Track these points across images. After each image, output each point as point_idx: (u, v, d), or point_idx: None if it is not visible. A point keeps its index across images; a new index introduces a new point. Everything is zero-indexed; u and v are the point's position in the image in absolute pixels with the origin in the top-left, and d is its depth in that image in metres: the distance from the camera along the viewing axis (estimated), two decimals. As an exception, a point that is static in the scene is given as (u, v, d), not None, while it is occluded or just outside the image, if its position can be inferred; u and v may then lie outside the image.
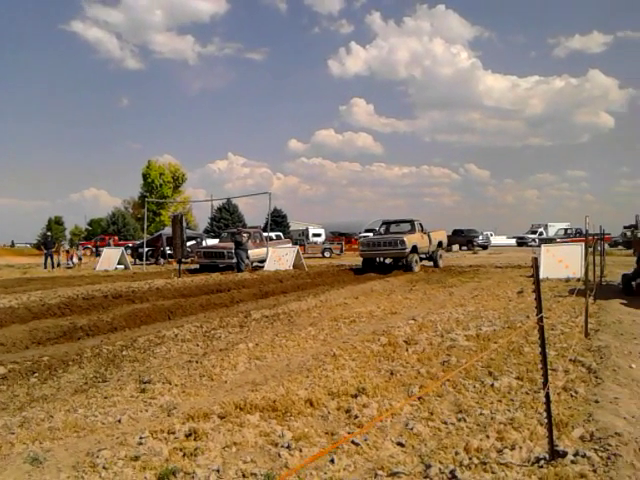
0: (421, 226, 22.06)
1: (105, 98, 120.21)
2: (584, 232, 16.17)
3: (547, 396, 3.10)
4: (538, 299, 2.94)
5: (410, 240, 20.28)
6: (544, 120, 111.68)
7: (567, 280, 14.66)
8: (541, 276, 16.00)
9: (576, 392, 4.66)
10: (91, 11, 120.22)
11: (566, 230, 45.82)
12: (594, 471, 3.13)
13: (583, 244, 15.29)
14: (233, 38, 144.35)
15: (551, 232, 50.60)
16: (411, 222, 22.06)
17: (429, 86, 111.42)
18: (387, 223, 23.51)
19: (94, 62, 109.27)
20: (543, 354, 3.05)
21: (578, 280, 13.08)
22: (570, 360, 5.77)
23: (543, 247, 18.37)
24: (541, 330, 3.01)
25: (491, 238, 54.60)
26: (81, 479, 3.28)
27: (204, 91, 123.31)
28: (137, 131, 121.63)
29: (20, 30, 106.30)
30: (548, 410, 3.19)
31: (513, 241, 55.34)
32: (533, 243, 46.96)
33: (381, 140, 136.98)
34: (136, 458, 3.53)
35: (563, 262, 16.14)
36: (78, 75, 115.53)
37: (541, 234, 50.40)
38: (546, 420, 3.24)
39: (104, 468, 3.40)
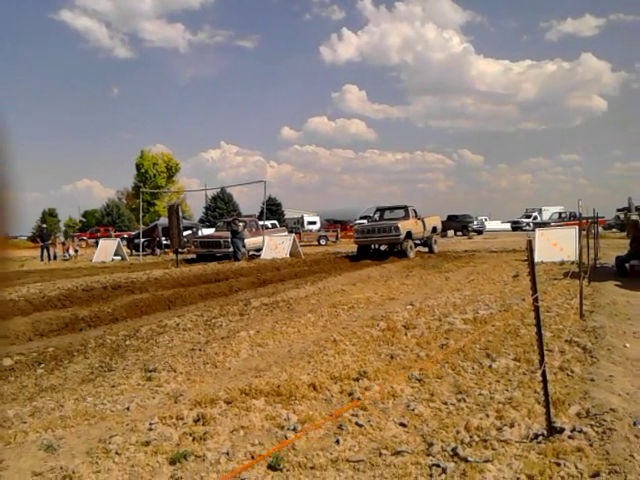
0: (415, 212, 22.15)
1: (95, 88, 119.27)
2: (578, 215, 16.35)
3: (544, 374, 3.21)
4: (533, 281, 3.05)
5: (404, 226, 20.38)
6: (537, 104, 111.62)
7: (562, 263, 14.81)
8: (536, 260, 16.16)
9: (572, 371, 4.80)
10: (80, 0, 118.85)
11: (560, 214, 45.97)
12: (590, 445, 3.26)
13: (577, 227, 15.46)
14: (224, 25, 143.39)
15: (545, 216, 50.69)
16: (405, 208, 22.13)
17: (421, 71, 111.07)
18: (381, 210, 23.55)
19: (84, 51, 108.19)
20: (539, 334, 3.16)
21: (572, 263, 13.24)
22: (566, 341, 5.90)
23: (537, 231, 18.51)
24: (536, 310, 3.12)
25: (486, 223, 54.79)
26: (96, 464, 3.38)
27: (195, 79, 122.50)
28: (129, 121, 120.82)
29: (8, 19, 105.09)
30: (545, 388, 3.31)
31: (508, 226, 55.46)
32: (528, 227, 47.10)
33: (374, 126, 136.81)
34: (147, 443, 3.64)
35: (557, 245, 16.29)
36: (68, 65, 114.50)
37: (535, 218, 50.54)
38: (543, 398, 3.36)
39: (117, 453, 3.51)
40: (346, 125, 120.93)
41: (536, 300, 3.11)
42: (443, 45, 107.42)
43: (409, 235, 20.64)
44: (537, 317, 3.16)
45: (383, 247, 22.19)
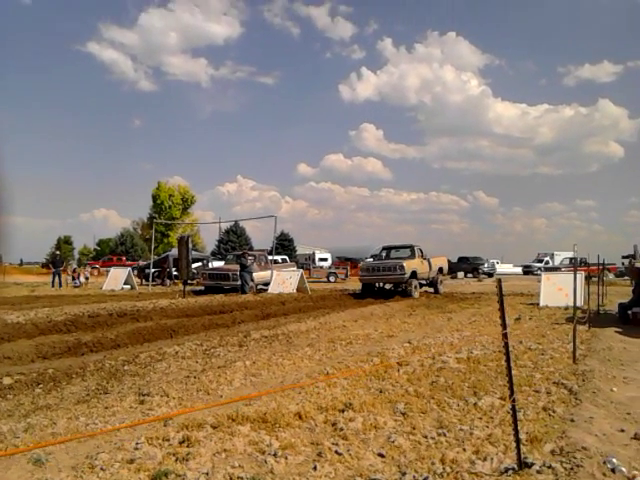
0: (421, 252, 22.27)
1: (118, 119, 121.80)
2: (586, 261, 16.38)
3: (513, 409, 3.33)
4: (502, 316, 3.20)
5: (409, 265, 20.49)
6: (553, 149, 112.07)
7: (566, 308, 14.80)
8: (541, 303, 16.29)
9: (554, 411, 4.88)
10: (107, 33, 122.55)
11: (571, 259, 45.78)
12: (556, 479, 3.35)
13: (583, 273, 15.49)
14: (246, 62, 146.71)
15: (557, 261, 50.55)
16: (411, 247, 22.29)
17: (439, 113, 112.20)
18: (387, 248, 23.69)
19: (108, 83, 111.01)
20: (508, 369, 3.29)
21: (578, 309, 13.25)
22: (554, 383, 5.98)
23: (543, 275, 18.54)
24: (506, 347, 3.26)
25: (497, 266, 54.61)
26: (80, 478, 3.53)
27: (216, 113, 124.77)
28: (148, 152, 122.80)
29: (37, 50, 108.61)
30: (515, 422, 3.43)
31: (519, 269, 55.33)
32: (539, 272, 46.94)
33: (390, 166, 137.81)
34: (132, 461, 3.77)
35: (563, 290, 16.27)
36: (92, 96, 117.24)
37: (547, 263, 50.43)
38: (513, 433, 3.46)
39: (101, 469, 3.65)
40: (362, 163, 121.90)
41: (505, 336, 3.25)
42: (461, 87, 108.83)
43: (414, 275, 20.72)
44: (507, 353, 3.29)
45: (388, 286, 22.25)
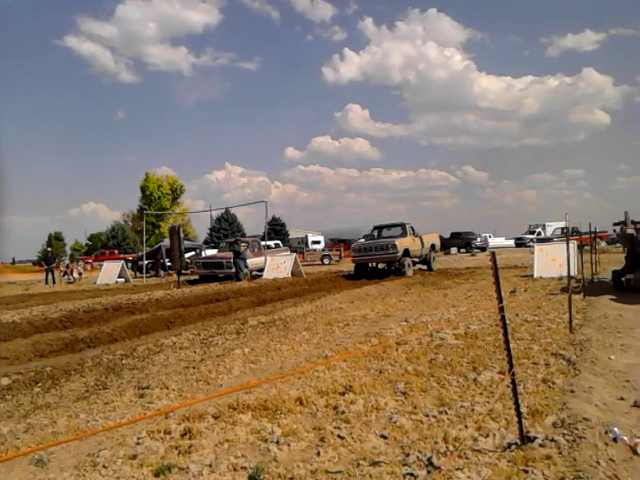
0: (412, 229, 22.19)
1: (101, 111, 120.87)
2: (578, 230, 16.43)
3: (513, 382, 3.33)
4: (498, 290, 3.18)
5: (402, 244, 20.43)
6: (540, 120, 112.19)
7: (560, 278, 14.86)
8: (535, 275, 16.36)
9: (554, 383, 4.89)
10: (85, 26, 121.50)
11: (563, 229, 45.96)
12: (560, 453, 3.36)
13: (575, 242, 15.55)
14: (227, 48, 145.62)
15: (549, 232, 50.72)
16: (402, 226, 22.19)
17: (424, 89, 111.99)
18: (378, 228, 23.57)
19: (89, 76, 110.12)
20: (506, 343, 3.28)
21: (572, 278, 13.29)
22: (552, 354, 6.00)
23: (536, 246, 18.59)
24: (503, 319, 3.24)
25: (490, 240, 54.81)
26: (82, 477, 3.51)
27: (199, 102, 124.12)
28: (134, 144, 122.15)
29: (16, 46, 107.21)
30: (515, 397, 3.42)
31: (512, 242, 55.50)
32: (531, 243, 47.12)
33: (378, 145, 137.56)
34: (134, 457, 3.76)
35: (556, 261, 16.33)
36: (74, 90, 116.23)
37: (539, 234, 50.55)
38: (514, 407, 3.46)
39: (104, 467, 3.63)
40: (350, 144, 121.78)
41: (501, 310, 3.23)
42: (445, 63, 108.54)
43: (406, 253, 20.67)
44: (504, 327, 3.28)
45: (381, 265, 22.24)
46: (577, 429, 3.65)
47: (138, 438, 4.07)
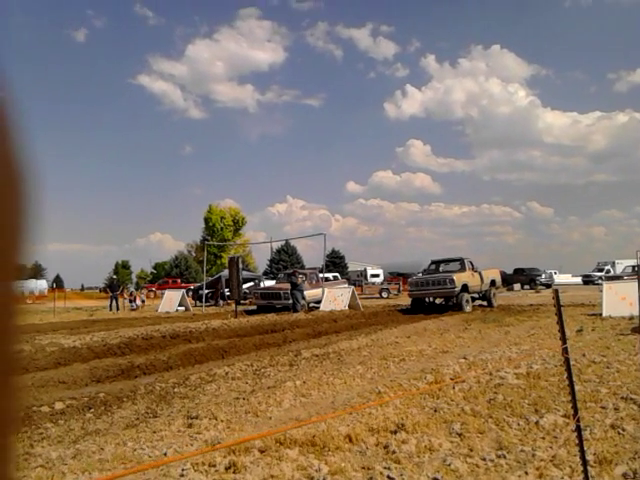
0: (471, 264, 21.55)
1: (170, 146, 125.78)
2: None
3: (578, 427, 3.07)
4: (562, 328, 2.95)
5: (459, 279, 19.90)
6: (608, 155, 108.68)
7: (631, 318, 14.04)
8: (603, 314, 15.56)
9: (624, 429, 4.53)
10: (157, 65, 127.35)
11: (634, 267, 43.89)
12: (631, 508, 3.05)
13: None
14: (291, 85, 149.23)
15: (619, 269, 48.57)
16: (460, 260, 21.64)
17: (487, 125, 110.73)
18: (436, 262, 23.01)
19: (159, 113, 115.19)
20: (571, 386, 3.04)
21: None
22: (622, 398, 5.58)
23: (605, 284, 17.74)
24: (567, 362, 3.01)
25: (555, 277, 52.90)
26: (124, 506, 3.44)
27: (264, 137, 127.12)
28: (199, 177, 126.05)
29: (91, 83, 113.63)
30: (581, 443, 3.15)
31: (579, 279, 53.44)
32: (600, 281, 45.18)
33: (439, 180, 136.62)
34: (177, 488, 3.67)
35: (627, 299, 15.48)
36: (145, 126, 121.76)
37: (608, 271, 48.52)
38: (580, 454, 3.19)
39: (146, 497, 3.56)
40: (411, 179, 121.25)
41: (565, 351, 3.00)
42: (508, 99, 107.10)
43: (465, 288, 20.10)
44: (568, 367, 3.04)
45: (438, 300, 21.71)
46: (651, 482, 3.32)
47: (182, 470, 3.99)
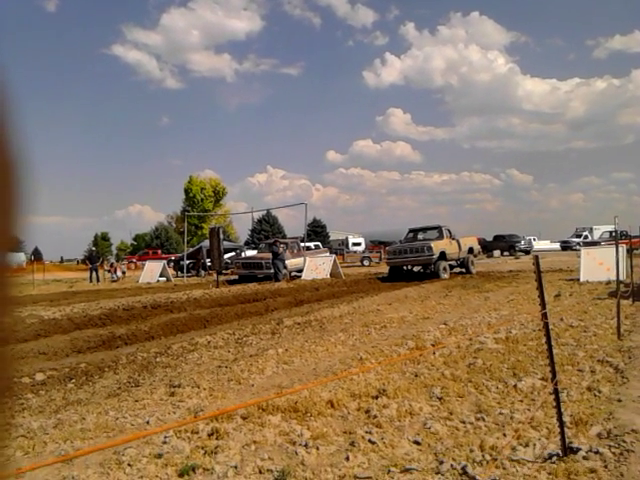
0: (449, 232, 21.64)
1: (147, 117, 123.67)
2: (628, 234, 15.82)
3: (556, 390, 3.12)
4: (541, 294, 2.97)
5: (437, 246, 19.97)
6: (586, 122, 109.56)
7: (608, 283, 14.30)
8: (581, 279, 15.83)
9: (600, 391, 4.63)
10: (131, 35, 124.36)
11: (611, 233, 44.53)
12: (605, 466, 3.13)
13: (624, 246, 14.96)
14: (269, 54, 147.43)
15: (596, 235, 49.20)
16: (438, 228, 21.72)
17: (466, 93, 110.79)
18: (414, 231, 23.01)
19: (135, 83, 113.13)
20: (549, 347, 3.08)
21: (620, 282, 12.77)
22: (598, 360, 5.70)
23: (583, 250, 18.01)
24: (546, 325, 3.04)
25: (534, 243, 53.52)
26: (107, 475, 3.45)
27: (242, 107, 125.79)
28: (178, 148, 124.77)
29: (64, 54, 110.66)
30: (558, 405, 3.21)
31: (557, 245, 54.02)
32: (578, 247, 45.79)
33: (419, 148, 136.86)
34: (159, 456, 3.68)
35: (604, 265, 15.75)
36: (120, 96, 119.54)
37: (586, 237, 49.12)
38: (557, 415, 3.25)
39: (129, 465, 3.56)
40: (391, 147, 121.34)
41: (545, 316, 3.03)
42: (488, 66, 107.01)
43: (443, 256, 20.19)
44: (547, 331, 3.08)
45: (416, 268, 21.86)
46: (625, 441, 3.40)
47: (165, 437, 4.00)
